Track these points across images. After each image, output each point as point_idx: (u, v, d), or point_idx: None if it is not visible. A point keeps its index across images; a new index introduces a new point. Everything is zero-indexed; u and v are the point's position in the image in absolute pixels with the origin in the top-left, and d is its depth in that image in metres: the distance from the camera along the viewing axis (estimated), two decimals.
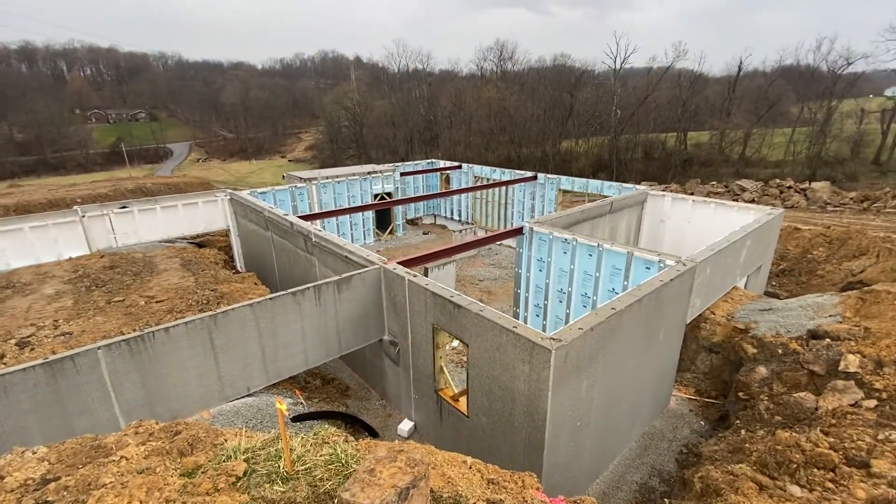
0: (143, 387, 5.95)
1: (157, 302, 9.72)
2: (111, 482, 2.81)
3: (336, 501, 2.50)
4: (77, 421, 5.46)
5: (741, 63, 54.06)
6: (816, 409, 6.15)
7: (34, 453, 3.27)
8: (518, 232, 10.65)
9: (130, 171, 71.25)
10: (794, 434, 5.52)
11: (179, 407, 6.32)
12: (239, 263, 15.25)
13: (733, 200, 14.61)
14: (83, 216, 13.39)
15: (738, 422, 6.88)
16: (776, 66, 59.13)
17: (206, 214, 15.50)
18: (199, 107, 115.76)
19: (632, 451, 7.80)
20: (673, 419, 8.53)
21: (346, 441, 3.26)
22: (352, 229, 19.51)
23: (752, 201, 26.74)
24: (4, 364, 7.28)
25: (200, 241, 15.71)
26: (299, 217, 11.50)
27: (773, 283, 14.29)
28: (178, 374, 6.22)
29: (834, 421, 5.69)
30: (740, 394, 7.50)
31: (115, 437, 3.54)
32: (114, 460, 3.14)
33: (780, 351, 7.76)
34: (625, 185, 15.55)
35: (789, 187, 29.16)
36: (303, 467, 2.83)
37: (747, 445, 5.93)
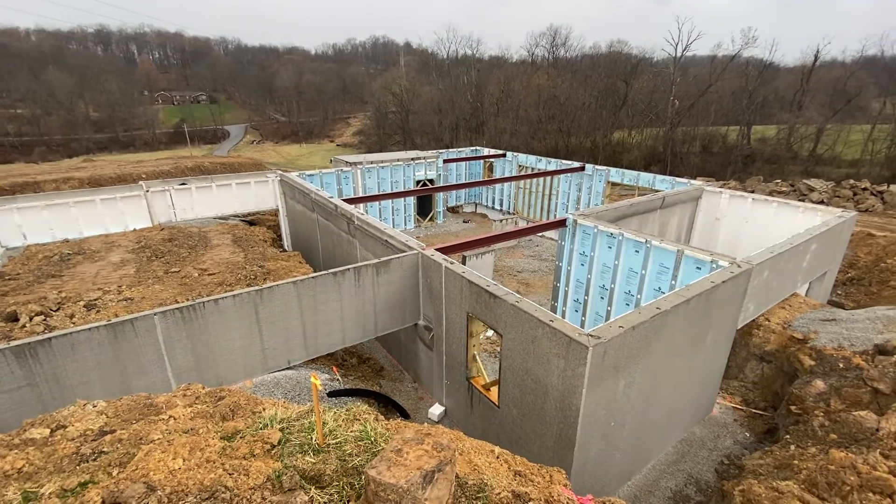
0: (193, 353, 6.33)
1: (209, 274, 10.27)
2: (159, 439, 3.00)
3: (363, 477, 2.55)
4: (134, 380, 5.90)
5: (818, 52, 49.74)
6: (878, 430, 5.66)
7: (94, 406, 3.56)
8: (561, 224, 10.38)
9: (191, 151, 75.42)
10: (850, 454, 5.12)
11: (225, 374, 6.68)
12: (286, 242, 15.84)
13: (799, 201, 13.55)
14: (147, 191, 14.31)
15: (787, 436, 6.46)
16: (858, 56, 54.08)
17: (258, 194, 16.16)
18: (255, 90, 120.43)
19: (668, 456, 7.53)
20: (715, 427, 8.15)
21: (377, 420, 3.32)
22: (393, 214, 19.75)
23: (821, 203, 24.67)
24: (73, 323, 7.95)
25: (251, 219, 16.45)
26: (344, 200, 11.75)
27: (839, 292, 13.22)
28: (225, 343, 6.57)
29: None
30: (793, 407, 7.03)
31: (166, 397, 3.79)
32: (163, 419, 3.36)
33: (841, 365, 7.18)
34: (679, 179, 14.78)
35: (864, 189, 26.64)
36: (334, 441, 2.91)
37: (796, 462, 5.56)
